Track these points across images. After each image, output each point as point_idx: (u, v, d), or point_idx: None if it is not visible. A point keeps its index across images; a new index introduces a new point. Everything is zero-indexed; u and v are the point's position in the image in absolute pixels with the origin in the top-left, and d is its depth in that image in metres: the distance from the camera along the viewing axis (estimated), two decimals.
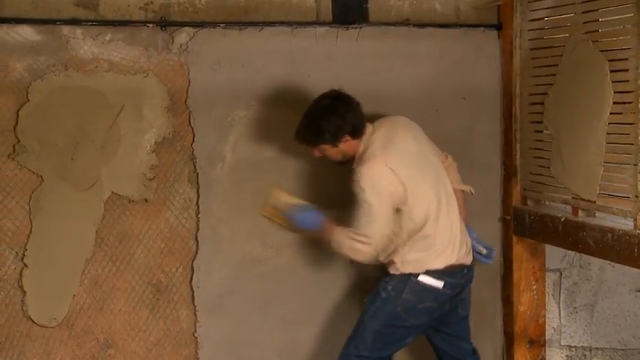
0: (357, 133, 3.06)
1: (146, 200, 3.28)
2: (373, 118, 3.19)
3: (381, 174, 2.96)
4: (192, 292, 3.36)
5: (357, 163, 3.05)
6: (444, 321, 3.19)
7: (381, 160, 2.98)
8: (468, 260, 3.14)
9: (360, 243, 2.99)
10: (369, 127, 3.11)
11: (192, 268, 3.35)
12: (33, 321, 3.19)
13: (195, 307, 3.36)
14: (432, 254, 3.04)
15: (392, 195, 2.97)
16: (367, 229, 2.98)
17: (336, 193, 3.31)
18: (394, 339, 3.11)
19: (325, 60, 3.40)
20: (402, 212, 3.02)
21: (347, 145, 3.07)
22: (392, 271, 3.10)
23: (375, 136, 3.08)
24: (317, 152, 3.13)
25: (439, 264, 3.04)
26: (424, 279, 3.04)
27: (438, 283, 3.03)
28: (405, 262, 3.06)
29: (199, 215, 3.34)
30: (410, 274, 3.05)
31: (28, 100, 3.10)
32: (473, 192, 3.32)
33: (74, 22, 3.13)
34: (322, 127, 3.02)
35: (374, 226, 2.98)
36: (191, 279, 3.35)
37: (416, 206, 3.01)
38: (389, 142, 3.03)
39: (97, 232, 3.23)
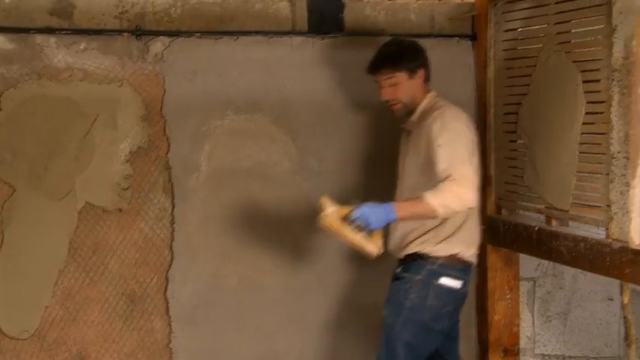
0: (428, 76, 3.08)
1: (120, 210, 3.25)
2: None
3: (463, 114, 2.98)
4: (167, 302, 3.34)
5: (420, 118, 2.99)
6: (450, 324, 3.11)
7: (460, 109, 3.00)
8: (476, 259, 3.12)
9: (459, 181, 2.74)
10: (434, 90, 3.11)
11: (167, 278, 3.33)
12: (4, 333, 3.16)
13: (169, 317, 3.34)
14: (468, 241, 2.97)
15: (473, 138, 2.94)
16: (458, 163, 2.77)
17: (315, 204, 3.30)
18: (425, 347, 3.00)
19: (301, 70, 3.40)
20: None
21: (419, 83, 3.04)
22: (422, 249, 2.94)
23: (441, 100, 3.06)
24: (387, 90, 3.00)
25: (470, 253, 2.99)
26: (446, 281, 2.95)
27: (457, 283, 2.97)
28: (444, 243, 2.94)
29: (174, 225, 3.32)
30: (430, 279, 2.93)
31: (1, 109, 3.07)
32: None
33: (48, 30, 3.12)
34: (404, 51, 3.03)
35: (463, 158, 2.80)
36: (165, 289, 3.33)
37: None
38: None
39: (70, 242, 3.20)
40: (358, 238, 2.82)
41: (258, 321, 3.45)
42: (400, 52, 3.04)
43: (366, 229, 2.80)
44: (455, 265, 2.99)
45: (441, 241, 2.97)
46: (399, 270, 3.03)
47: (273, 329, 3.47)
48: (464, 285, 3.03)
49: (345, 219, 2.80)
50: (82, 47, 3.15)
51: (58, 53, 3.13)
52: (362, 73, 3.46)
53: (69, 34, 3.13)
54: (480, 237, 3.11)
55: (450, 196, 2.77)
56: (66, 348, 3.23)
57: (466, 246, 3.01)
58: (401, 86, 3.02)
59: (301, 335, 3.50)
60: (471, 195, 2.80)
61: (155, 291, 3.33)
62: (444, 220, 2.93)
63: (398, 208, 2.82)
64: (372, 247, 2.84)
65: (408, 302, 2.94)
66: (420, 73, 3.04)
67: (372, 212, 2.79)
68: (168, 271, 3.33)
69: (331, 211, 2.81)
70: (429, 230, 2.97)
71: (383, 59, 3.04)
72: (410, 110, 3.05)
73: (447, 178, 2.78)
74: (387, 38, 3.47)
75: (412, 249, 2.99)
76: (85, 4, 3.15)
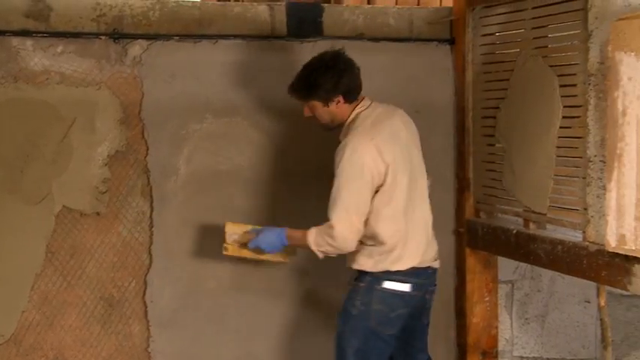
0: (350, 96, 2.97)
1: (98, 214, 3.24)
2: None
3: (364, 148, 2.87)
4: (145, 306, 3.32)
5: (343, 134, 2.97)
6: (407, 329, 3.07)
7: (367, 135, 2.89)
8: (435, 265, 3.07)
9: (334, 230, 2.84)
10: (366, 100, 3.03)
11: (146, 282, 3.32)
12: None
13: (148, 321, 3.33)
14: (398, 252, 2.94)
15: (372, 174, 2.87)
16: (341, 210, 2.83)
17: (295, 205, 3.31)
18: (376, 353, 3.00)
19: (280, 73, 3.40)
20: (374, 198, 2.91)
21: (338, 107, 2.97)
22: (354, 266, 2.99)
23: (369, 111, 3.00)
24: (307, 110, 3.02)
25: (404, 264, 2.95)
26: (389, 285, 2.95)
27: (405, 287, 2.96)
28: (370, 258, 2.96)
29: (153, 229, 3.31)
30: (373, 283, 2.95)
31: None
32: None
33: (24, 33, 3.09)
34: (317, 81, 2.92)
35: (348, 196, 2.83)
36: (144, 293, 3.32)
37: (389, 192, 2.91)
38: (381, 122, 2.96)
39: (47, 246, 3.18)
40: (263, 257, 3.09)
41: (237, 324, 3.44)
42: (313, 83, 2.93)
43: (263, 252, 3.05)
44: (399, 270, 2.96)
45: (378, 260, 2.95)
46: (350, 279, 3.07)
47: (251, 332, 3.46)
48: (414, 288, 2.97)
49: (246, 245, 3.06)
50: (59, 50, 3.13)
51: (34, 56, 3.10)
52: None
53: (46, 36, 3.11)
54: (422, 247, 3.01)
55: (324, 243, 2.89)
56: (42, 353, 3.21)
57: (406, 261, 2.96)
58: (317, 110, 3.01)
59: (280, 338, 3.50)
60: (341, 245, 2.88)
61: (133, 295, 3.31)
62: (379, 243, 2.93)
63: (289, 237, 3.01)
64: (280, 258, 3.12)
65: (354, 310, 2.97)
66: (336, 99, 2.94)
67: (265, 240, 3.02)
68: (146, 274, 3.31)
69: (231, 242, 3.08)
70: (366, 248, 2.97)
71: (295, 89, 3.01)
72: (338, 125, 3.02)
73: (329, 221, 2.87)
74: (367, 43, 3.50)
75: (355, 265, 3.01)
76: (61, 7, 3.13)
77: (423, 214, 3.05)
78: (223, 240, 3.09)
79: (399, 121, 3.05)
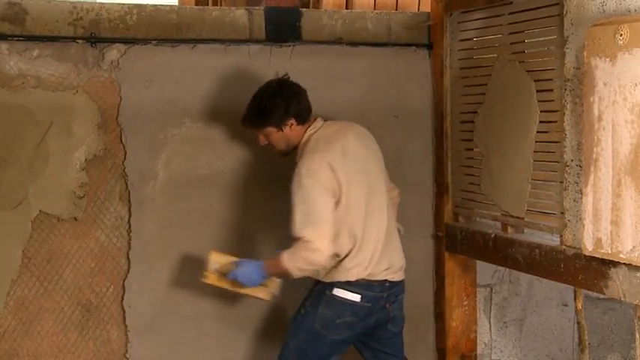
0: (302, 118, 3.05)
1: (76, 219, 3.21)
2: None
3: (319, 167, 2.94)
4: (124, 312, 3.30)
5: (299, 156, 3.04)
6: (372, 336, 3.16)
7: (320, 155, 2.97)
8: (392, 277, 3.09)
9: (310, 244, 2.88)
10: (318, 121, 3.11)
11: (124, 287, 3.29)
12: None
13: (126, 327, 3.30)
14: (345, 266, 3.01)
15: (328, 190, 2.93)
16: (310, 224, 2.89)
17: (275, 210, 3.30)
18: (317, 356, 3.08)
19: (259, 78, 3.39)
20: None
21: (292, 131, 3.05)
22: (314, 276, 3.07)
23: (323, 131, 3.07)
24: (262, 138, 3.09)
25: (351, 276, 3.01)
26: (339, 292, 3.02)
27: (354, 297, 3.02)
28: (323, 269, 3.03)
29: (131, 234, 3.28)
30: (325, 288, 3.04)
31: None
32: (402, 231, 3.28)
33: None
34: (268, 108, 3.01)
35: (316, 218, 2.90)
36: (122, 299, 3.29)
37: (345, 209, 2.98)
38: (333, 140, 3.03)
39: (23, 251, 3.15)
40: (244, 291, 3.09)
41: (217, 329, 3.43)
42: (265, 110, 3.02)
43: (241, 285, 3.06)
44: (349, 281, 3.02)
45: (329, 271, 3.03)
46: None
47: (230, 338, 3.45)
48: (365, 299, 3.03)
49: (227, 275, 3.07)
50: (35, 54, 3.10)
51: (10, 60, 3.07)
52: (320, 81, 3.49)
53: (21, 40, 3.08)
54: (375, 259, 3.05)
55: (301, 260, 2.93)
56: (18, 359, 3.17)
57: (355, 272, 3.02)
58: (272, 137, 3.09)
59: (259, 344, 3.49)
60: (319, 258, 2.91)
61: (111, 300, 3.29)
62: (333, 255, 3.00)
63: (266, 268, 3.03)
64: (263, 294, 3.11)
65: (302, 309, 3.11)
66: (289, 122, 3.04)
67: (243, 273, 3.03)
68: (124, 280, 3.29)
69: (212, 271, 3.08)
70: None
71: (248, 119, 3.09)
72: (294, 148, 3.10)
73: (300, 239, 2.91)
74: (345, 47, 3.51)
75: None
76: (37, 11, 3.10)
77: (379, 228, 3.08)
78: (205, 268, 3.11)
79: (353, 137, 3.10)
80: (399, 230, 3.25)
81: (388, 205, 3.15)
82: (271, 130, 3.06)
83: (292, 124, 3.05)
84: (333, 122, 3.15)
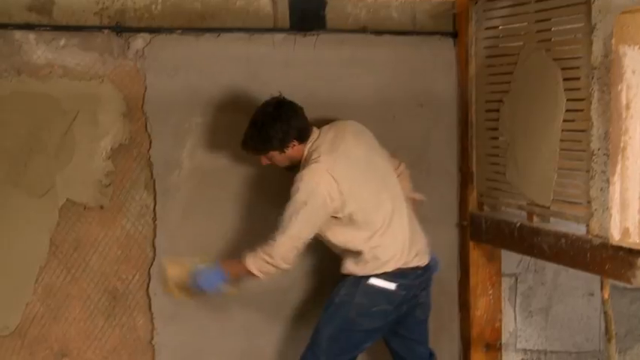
0: (303, 137, 3.08)
1: (102, 207, 3.24)
2: (328, 123, 3.20)
3: (320, 178, 2.97)
4: (149, 299, 3.33)
5: (302, 168, 3.06)
6: (401, 323, 3.19)
7: (323, 165, 2.99)
8: (422, 262, 3.14)
9: (279, 247, 2.95)
10: (315, 132, 3.13)
11: (149, 275, 3.32)
12: None
13: (152, 314, 3.33)
14: (381, 259, 3.05)
15: (326, 204, 2.97)
16: (288, 227, 2.94)
17: None
18: (350, 344, 3.12)
19: (283, 67, 3.40)
20: (341, 219, 3.03)
21: (294, 150, 3.09)
22: (344, 271, 3.11)
23: (321, 140, 3.09)
24: (265, 160, 3.14)
25: (389, 267, 3.06)
26: (375, 282, 3.05)
27: (391, 285, 3.05)
28: (357, 265, 3.07)
29: (156, 222, 3.31)
30: (361, 278, 3.06)
31: None
32: (424, 200, 3.32)
33: (27, 26, 3.08)
34: (269, 134, 3.03)
35: (296, 224, 2.94)
36: (148, 286, 3.32)
37: (358, 212, 3.01)
38: (334, 148, 3.05)
39: (51, 239, 3.18)
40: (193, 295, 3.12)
41: (242, 316, 3.45)
42: (265, 137, 3.04)
43: (204, 291, 3.07)
44: (386, 272, 3.06)
45: (364, 267, 3.06)
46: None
47: (256, 325, 3.47)
48: (400, 287, 3.07)
49: (188, 284, 3.07)
50: (61, 44, 3.13)
51: (37, 49, 3.10)
52: (344, 70, 3.48)
53: (48, 30, 3.10)
54: (400, 244, 3.09)
55: (264, 263, 2.98)
56: (47, 345, 3.22)
57: (391, 264, 3.06)
58: (276, 158, 3.11)
59: (284, 330, 3.51)
60: (281, 262, 2.97)
61: (137, 288, 3.32)
62: (365, 258, 3.05)
63: (225, 268, 3.05)
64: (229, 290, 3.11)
65: (337, 298, 3.10)
66: (291, 143, 3.06)
67: (203, 281, 3.04)
68: (150, 267, 3.32)
69: (170, 278, 3.08)
70: (353, 258, 3.09)
71: (249, 146, 3.11)
72: (297, 163, 3.11)
73: (271, 240, 2.97)
74: (370, 36, 3.50)
75: (344, 271, 3.13)
76: (64, 1, 3.12)
77: (402, 219, 3.12)
78: (164, 281, 3.13)
79: (351, 137, 3.12)
80: (421, 200, 3.30)
81: (401, 192, 3.17)
82: (274, 153, 3.09)
83: (294, 145, 3.08)
84: (327, 128, 3.16)
